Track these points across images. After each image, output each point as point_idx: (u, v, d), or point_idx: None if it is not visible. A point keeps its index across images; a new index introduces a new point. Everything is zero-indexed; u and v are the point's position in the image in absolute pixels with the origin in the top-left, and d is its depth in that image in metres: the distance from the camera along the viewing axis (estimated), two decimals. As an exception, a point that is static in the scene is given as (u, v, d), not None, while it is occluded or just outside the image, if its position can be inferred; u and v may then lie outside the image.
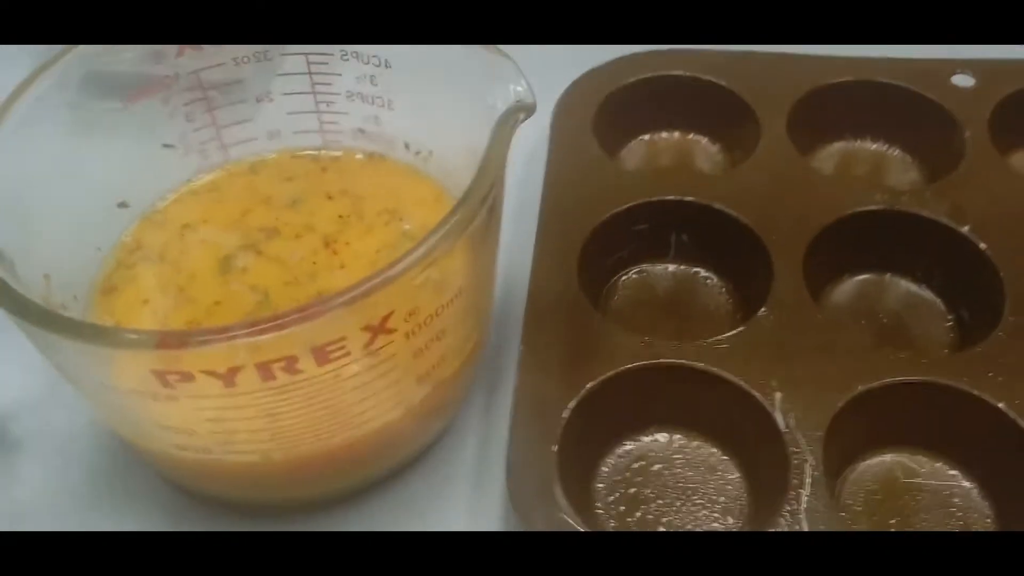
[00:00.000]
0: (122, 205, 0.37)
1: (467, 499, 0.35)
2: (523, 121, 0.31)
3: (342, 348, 0.27)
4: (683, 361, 0.35)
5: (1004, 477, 0.33)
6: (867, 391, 0.34)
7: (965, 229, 0.39)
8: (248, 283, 0.36)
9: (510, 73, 0.32)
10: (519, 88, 0.31)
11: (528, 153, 0.45)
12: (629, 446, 0.36)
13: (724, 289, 0.41)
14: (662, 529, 0.33)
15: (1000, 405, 0.33)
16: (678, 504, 0.34)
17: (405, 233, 0.37)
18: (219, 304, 0.35)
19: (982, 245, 0.38)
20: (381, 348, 0.28)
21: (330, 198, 0.38)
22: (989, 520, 0.33)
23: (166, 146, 0.38)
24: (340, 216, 0.37)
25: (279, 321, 0.25)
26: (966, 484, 0.34)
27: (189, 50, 0.37)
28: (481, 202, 0.28)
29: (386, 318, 0.27)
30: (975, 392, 0.34)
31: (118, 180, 0.37)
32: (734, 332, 0.36)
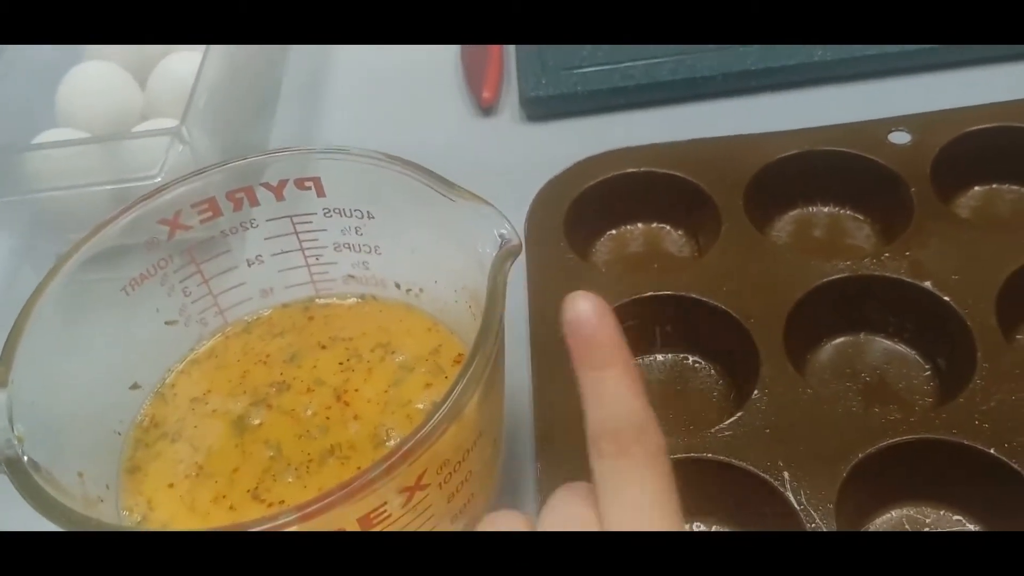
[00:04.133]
0: (134, 387, 0.39)
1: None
2: (512, 264, 0.33)
3: (383, 514, 0.28)
4: (693, 455, 0.37)
5: (1004, 517, 0.36)
6: (867, 456, 0.36)
7: (927, 284, 0.41)
8: (262, 438, 0.37)
9: (493, 218, 0.34)
10: (503, 231, 0.33)
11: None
12: (653, 541, 0.37)
13: (714, 371, 0.43)
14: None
15: (991, 451, 0.36)
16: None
17: (400, 364, 0.39)
18: (237, 471, 0.36)
19: (945, 297, 0.41)
20: (418, 503, 0.29)
21: (323, 347, 0.40)
22: (999, 559, 0.35)
23: (169, 323, 0.39)
24: (340, 364, 0.39)
25: (326, 501, 0.27)
26: (971, 527, 0.36)
27: (179, 230, 0.38)
28: (491, 349, 0.30)
29: (420, 476, 0.29)
30: (966, 442, 0.36)
31: (128, 362, 0.39)
32: (734, 419, 0.38)
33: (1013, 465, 0.35)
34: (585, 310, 0.27)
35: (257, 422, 0.37)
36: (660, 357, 0.44)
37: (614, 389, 0.27)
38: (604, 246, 0.49)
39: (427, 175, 0.36)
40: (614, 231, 0.49)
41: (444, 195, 0.35)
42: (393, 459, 0.27)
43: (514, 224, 0.45)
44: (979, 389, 0.38)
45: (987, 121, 0.48)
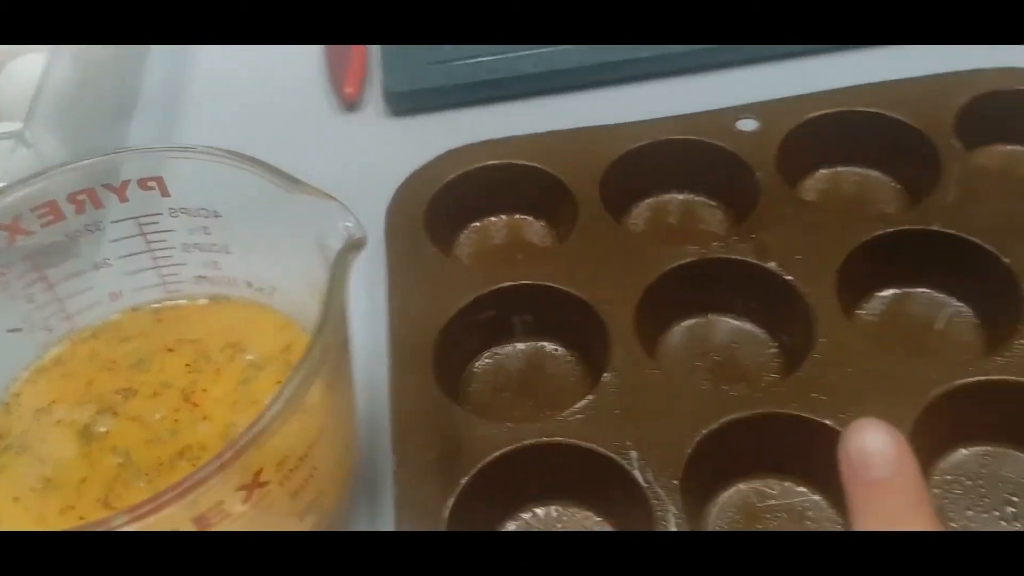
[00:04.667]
0: (-23, 399, 0.38)
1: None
2: (356, 256, 0.33)
3: (221, 511, 0.28)
4: (544, 439, 0.38)
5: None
6: (711, 432, 0.37)
7: (771, 265, 0.43)
8: (109, 446, 0.37)
9: (337, 212, 0.34)
10: (348, 224, 0.33)
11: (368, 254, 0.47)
12: (511, 527, 0.38)
13: (571, 357, 0.44)
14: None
15: (827, 422, 0.37)
16: (566, 572, 0.37)
17: (250, 363, 0.38)
18: (85, 480, 0.35)
19: (788, 277, 0.42)
20: (259, 501, 0.29)
21: (170, 350, 0.39)
22: (840, 526, 0.37)
23: (12, 331, 0.38)
24: (187, 365, 0.38)
25: (157, 502, 0.26)
26: (815, 498, 0.38)
27: (20, 236, 0.37)
28: (330, 343, 0.30)
29: (258, 474, 0.29)
30: (804, 415, 0.38)
31: (-30, 374, 0.38)
32: (585, 402, 0.39)
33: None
34: (878, 443, 0.23)
35: (104, 430, 0.37)
36: (520, 345, 0.44)
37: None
38: (467, 239, 0.49)
39: (271, 172, 0.36)
40: (477, 223, 0.50)
41: (289, 192, 0.35)
42: (225, 457, 0.27)
43: (377, 219, 0.45)
44: (818, 363, 0.39)
45: (829, 107, 0.50)
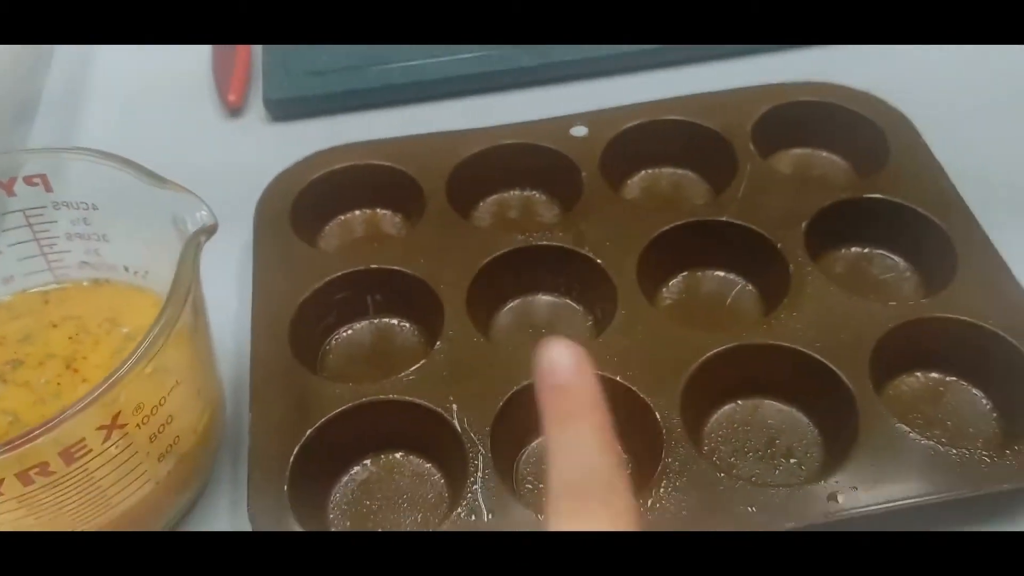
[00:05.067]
0: None
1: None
2: (207, 240, 0.39)
3: (83, 448, 0.34)
4: (381, 396, 0.44)
5: (632, 432, 0.44)
6: (520, 389, 0.44)
7: (585, 250, 0.50)
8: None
9: (194, 203, 0.40)
10: (202, 213, 0.40)
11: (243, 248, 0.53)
12: (353, 472, 0.45)
13: (416, 332, 0.50)
14: (390, 530, 0.42)
15: (617, 378, 0.44)
16: (397, 510, 0.43)
17: (126, 335, 0.44)
18: (-24, 434, 0.41)
19: (599, 260, 0.49)
20: (119, 440, 0.35)
21: (55, 326, 0.45)
22: (628, 463, 0.44)
23: (-87, 310, 0.44)
24: (70, 338, 0.44)
25: (27, 436, 0.32)
26: (610, 443, 0.45)
27: (-83, 225, 0.43)
28: (178, 309, 0.36)
29: (116, 416, 0.35)
30: (603, 374, 0.45)
31: None
32: (417, 365, 0.45)
33: (633, 389, 0.44)
34: (561, 356, 0.26)
35: (-6, 395, 0.42)
36: (374, 322, 0.51)
37: (583, 443, 0.26)
38: (331, 232, 0.56)
39: (140, 170, 0.42)
40: (341, 217, 0.56)
41: (156, 187, 0.41)
42: (85, 401, 0.33)
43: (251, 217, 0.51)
44: (614, 330, 0.47)
45: (649, 116, 0.57)
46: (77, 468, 0.35)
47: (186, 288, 0.37)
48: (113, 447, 0.36)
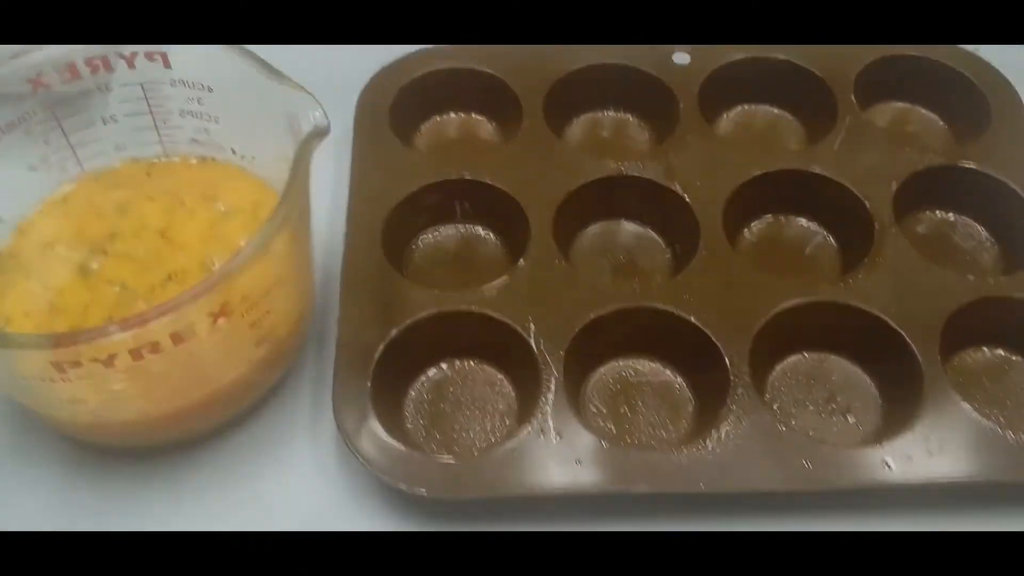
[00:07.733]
0: (-1, 221, 0.46)
1: (307, 429, 0.46)
2: (320, 142, 0.41)
3: (192, 331, 0.36)
4: (462, 308, 0.46)
5: (699, 372, 0.46)
6: (598, 317, 0.46)
7: (675, 186, 0.51)
8: (105, 278, 0.44)
9: (310, 103, 0.41)
10: (316, 114, 0.41)
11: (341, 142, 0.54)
12: (430, 373, 0.47)
13: (499, 242, 0.52)
14: (458, 432, 0.45)
15: (691, 319, 0.46)
16: (468, 414, 0.46)
17: (223, 212, 0.46)
18: (88, 307, 0.43)
19: (686, 197, 0.50)
20: (223, 326, 0.38)
21: (151, 199, 0.46)
22: (691, 402, 0.46)
23: (32, 168, 0.46)
24: (165, 210, 0.46)
25: (143, 318, 0.34)
26: (676, 378, 0.47)
27: (41, 88, 0.44)
28: (293, 208, 0.38)
29: (224, 305, 0.37)
30: (675, 311, 0.46)
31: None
32: (500, 281, 0.47)
33: (706, 332, 0.45)
34: None
35: (96, 266, 0.44)
36: (461, 228, 0.52)
37: None
38: (427, 131, 0.57)
39: (258, 62, 0.43)
40: (437, 118, 0.57)
41: (272, 81, 0.42)
42: (201, 288, 0.35)
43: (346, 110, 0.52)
44: (693, 271, 0.48)
45: (751, 53, 0.56)
46: (183, 349, 0.37)
47: (300, 189, 0.39)
48: (217, 333, 0.38)
